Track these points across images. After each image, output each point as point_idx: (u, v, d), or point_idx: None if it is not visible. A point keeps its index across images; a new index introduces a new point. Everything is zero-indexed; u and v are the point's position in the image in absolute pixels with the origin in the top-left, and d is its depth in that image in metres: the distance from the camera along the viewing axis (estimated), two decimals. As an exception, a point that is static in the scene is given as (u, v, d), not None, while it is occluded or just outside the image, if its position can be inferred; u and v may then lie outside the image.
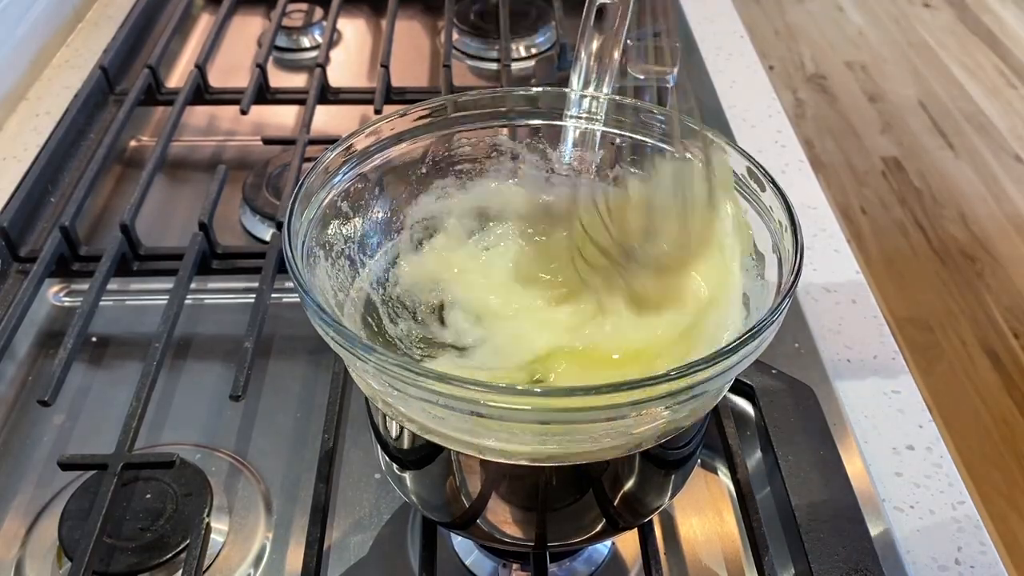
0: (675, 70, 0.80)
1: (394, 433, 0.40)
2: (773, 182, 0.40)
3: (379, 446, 0.43)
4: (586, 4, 0.44)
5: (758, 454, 0.53)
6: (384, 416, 0.39)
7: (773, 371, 0.54)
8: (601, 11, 0.43)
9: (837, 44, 2.76)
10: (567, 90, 0.45)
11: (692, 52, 0.89)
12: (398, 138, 0.43)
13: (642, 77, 0.79)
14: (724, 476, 0.53)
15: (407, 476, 0.42)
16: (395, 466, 0.42)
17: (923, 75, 2.61)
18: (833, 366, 0.57)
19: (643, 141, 0.44)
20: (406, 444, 0.40)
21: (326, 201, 0.41)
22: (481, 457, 0.36)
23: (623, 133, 0.45)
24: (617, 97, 0.44)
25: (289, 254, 0.36)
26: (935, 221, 2.09)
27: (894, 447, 0.53)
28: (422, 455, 0.39)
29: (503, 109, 0.45)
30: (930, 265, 1.98)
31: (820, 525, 0.46)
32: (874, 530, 0.47)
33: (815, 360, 0.58)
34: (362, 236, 0.44)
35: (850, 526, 0.47)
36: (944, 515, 0.50)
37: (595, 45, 0.44)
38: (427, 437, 0.37)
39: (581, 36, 0.44)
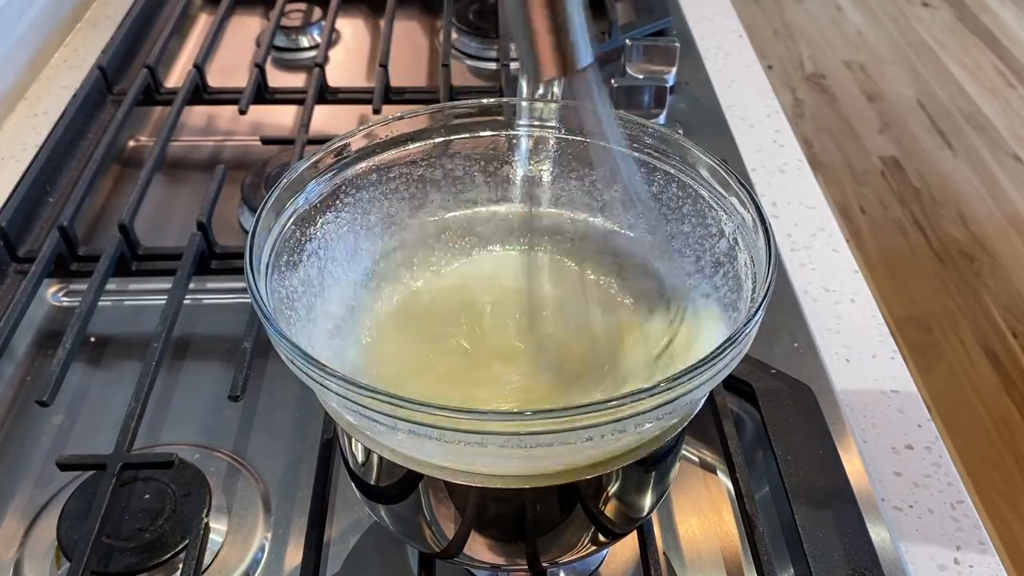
0: (673, 70, 0.80)
1: (363, 459, 0.39)
2: (743, 185, 0.39)
3: (355, 484, 0.42)
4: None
5: (758, 454, 0.53)
6: (362, 448, 0.39)
7: (772, 371, 0.54)
8: None
9: (836, 43, 2.76)
10: (516, 99, 0.43)
11: (690, 51, 0.89)
12: (361, 155, 0.43)
13: (640, 77, 0.79)
14: (723, 476, 0.53)
15: (383, 508, 0.42)
16: (379, 508, 0.42)
17: (922, 74, 2.61)
18: (832, 366, 0.57)
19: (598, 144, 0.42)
20: (384, 480, 0.39)
21: (294, 216, 0.40)
22: (457, 482, 0.36)
23: (577, 138, 0.43)
24: (569, 101, 0.42)
25: (251, 278, 0.35)
26: (934, 220, 2.09)
27: (893, 447, 0.53)
28: (401, 487, 0.39)
29: (440, 125, 0.43)
30: (929, 264, 1.98)
31: (820, 525, 0.46)
32: (873, 530, 0.47)
33: (814, 360, 0.58)
34: (334, 251, 0.43)
35: (849, 526, 0.47)
36: (943, 515, 0.50)
37: None
38: (396, 461, 0.36)
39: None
